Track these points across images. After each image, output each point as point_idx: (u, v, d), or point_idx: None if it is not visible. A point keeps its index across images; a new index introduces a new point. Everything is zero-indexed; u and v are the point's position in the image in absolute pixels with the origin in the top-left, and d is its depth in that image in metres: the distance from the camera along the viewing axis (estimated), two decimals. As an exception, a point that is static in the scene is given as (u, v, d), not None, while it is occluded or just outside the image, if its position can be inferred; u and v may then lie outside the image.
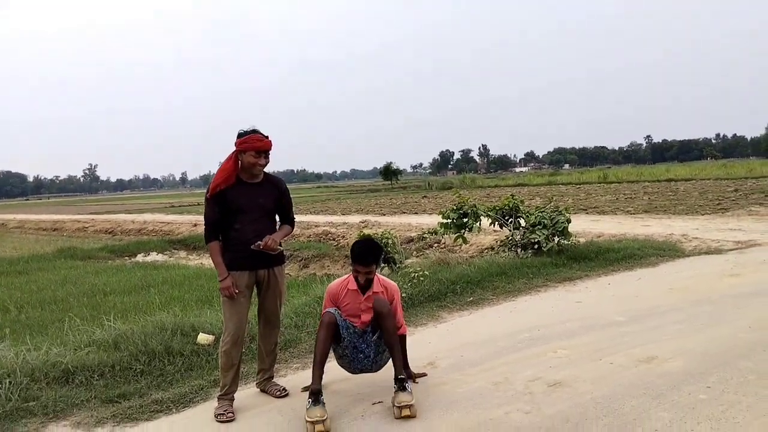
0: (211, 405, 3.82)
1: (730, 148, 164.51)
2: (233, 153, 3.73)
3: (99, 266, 14.29)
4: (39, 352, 4.55)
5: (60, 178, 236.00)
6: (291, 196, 4.07)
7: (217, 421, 3.60)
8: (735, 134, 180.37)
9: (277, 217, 3.99)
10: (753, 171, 35.86)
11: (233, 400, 3.80)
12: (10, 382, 4.02)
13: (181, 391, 4.11)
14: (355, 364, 3.79)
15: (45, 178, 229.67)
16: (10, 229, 34.47)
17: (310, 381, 3.57)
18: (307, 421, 3.35)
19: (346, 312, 3.75)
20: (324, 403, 3.42)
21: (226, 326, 3.79)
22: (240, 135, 3.72)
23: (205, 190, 3.81)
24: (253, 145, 3.68)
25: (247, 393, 4.07)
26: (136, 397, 4.05)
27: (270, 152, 3.79)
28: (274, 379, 4.13)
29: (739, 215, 14.44)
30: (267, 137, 3.75)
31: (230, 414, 3.65)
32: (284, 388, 4.02)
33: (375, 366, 3.84)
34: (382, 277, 3.87)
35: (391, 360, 3.72)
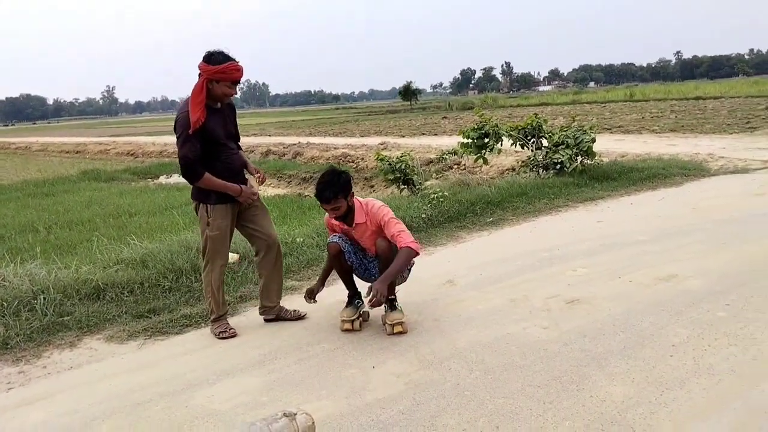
0: (239, 319, 3.96)
1: (764, 64, 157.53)
2: (202, 81, 3.46)
3: (123, 188, 14.52)
4: (69, 270, 4.70)
5: (79, 101, 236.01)
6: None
7: (220, 338, 3.68)
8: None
9: None
10: (786, 88, 34.54)
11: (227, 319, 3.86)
12: (44, 299, 4.18)
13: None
14: (368, 281, 3.79)
15: (64, 101, 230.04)
16: (33, 152, 34.93)
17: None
18: (341, 320, 3.70)
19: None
20: (358, 306, 3.76)
21: (213, 259, 3.76)
22: (211, 60, 3.45)
23: (182, 126, 3.47)
24: (231, 75, 3.47)
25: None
26: (165, 312, 4.20)
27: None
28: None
29: (769, 134, 14.03)
30: (239, 63, 3.52)
31: (232, 330, 3.74)
32: (297, 310, 4.01)
33: None
34: (366, 203, 3.67)
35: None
